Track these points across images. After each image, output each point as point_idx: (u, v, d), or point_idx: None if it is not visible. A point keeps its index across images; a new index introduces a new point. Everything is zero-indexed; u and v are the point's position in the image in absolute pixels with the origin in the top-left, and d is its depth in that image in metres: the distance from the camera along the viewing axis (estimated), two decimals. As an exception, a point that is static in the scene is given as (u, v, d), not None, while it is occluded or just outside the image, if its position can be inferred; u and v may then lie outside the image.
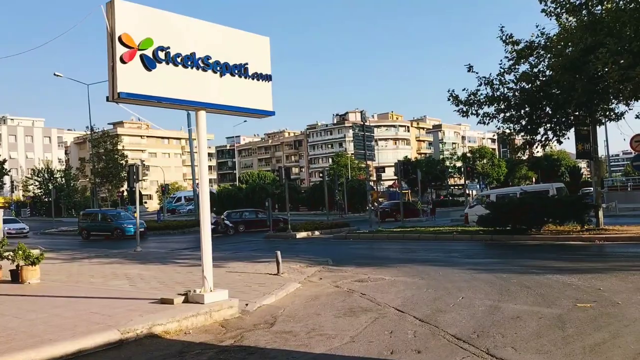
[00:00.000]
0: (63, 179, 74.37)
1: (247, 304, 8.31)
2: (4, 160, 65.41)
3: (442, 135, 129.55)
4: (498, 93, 18.90)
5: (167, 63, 7.21)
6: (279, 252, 12.54)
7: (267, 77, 8.49)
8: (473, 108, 19.16)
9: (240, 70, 8.09)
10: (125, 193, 75.73)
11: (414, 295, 9.16)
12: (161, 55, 7.15)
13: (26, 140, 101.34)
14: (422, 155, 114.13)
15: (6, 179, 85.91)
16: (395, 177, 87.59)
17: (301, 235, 26.70)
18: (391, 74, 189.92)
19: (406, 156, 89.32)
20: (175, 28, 7.36)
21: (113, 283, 11.79)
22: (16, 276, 11.38)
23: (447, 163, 76.08)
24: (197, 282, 11.05)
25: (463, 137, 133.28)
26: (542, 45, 19.22)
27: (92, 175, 46.64)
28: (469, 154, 73.19)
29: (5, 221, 33.80)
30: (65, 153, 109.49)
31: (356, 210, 54.60)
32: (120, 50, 6.76)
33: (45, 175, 72.76)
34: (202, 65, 7.60)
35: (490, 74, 18.83)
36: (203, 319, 7.16)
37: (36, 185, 74.28)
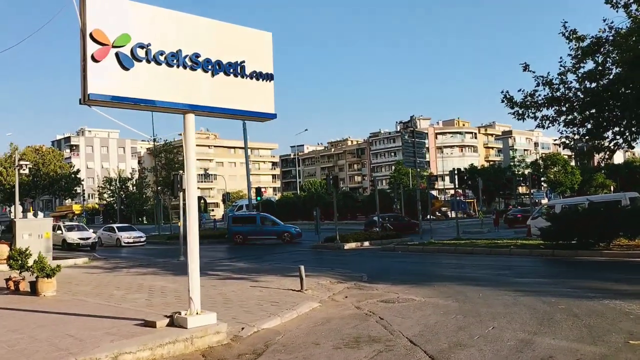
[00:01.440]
0: (134, 187, 77.07)
1: (242, 328, 7.50)
2: (77, 170, 68.56)
3: (513, 142, 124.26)
4: (558, 94, 17.19)
5: (148, 61, 6.56)
6: (302, 267, 11.68)
7: (268, 76, 7.68)
8: (530, 111, 17.54)
9: (235, 68, 7.33)
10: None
11: (438, 323, 8.01)
12: (140, 53, 6.51)
13: (102, 151, 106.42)
14: (491, 162, 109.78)
15: (82, 187, 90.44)
16: (462, 186, 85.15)
17: (349, 246, 25.70)
18: (458, 79, 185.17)
19: (472, 164, 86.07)
20: (158, 23, 6.70)
21: (131, 297, 11.35)
22: (34, 288, 11.16)
23: (516, 171, 72.43)
24: (213, 298, 10.42)
25: (536, 144, 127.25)
26: (610, 41, 17.33)
27: (154, 185, 47.70)
28: (539, 161, 69.29)
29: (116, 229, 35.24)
30: (139, 162, 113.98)
31: (416, 219, 52.74)
32: (91, 47, 6.17)
33: (117, 184, 75.59)
34: (189, 63, 6.90)
35: (548, 73, 17.16)
36: (182, 347, 6.39)
37: (109, 194, 77.34)
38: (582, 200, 21.21)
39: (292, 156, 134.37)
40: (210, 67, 7.08)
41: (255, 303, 9.81)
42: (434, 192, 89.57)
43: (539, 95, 17.26)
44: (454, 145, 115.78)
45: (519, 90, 17.42)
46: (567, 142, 17.84)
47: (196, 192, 7.31)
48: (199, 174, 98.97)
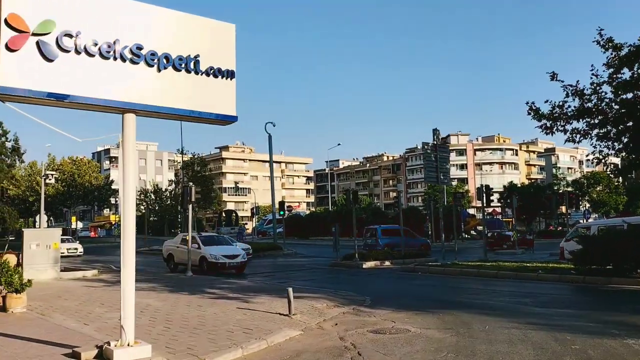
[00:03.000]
0: (169, 199, 77.61)
1: (188, 363, 6.51)
2: (111, 181, 69.50)
3: (556, 160, 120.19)
4: (590, 104, 15.70)
5: (78, 52, 5.75)
6: (290, 290, 10.64)
7: (229, 74, 6.78)
8: (559, 123, 16.08)
9: (187, 63, 6.45)
10: (223, 214, 77.93)
11: (421, 363, 6.83)
12: (68, 42, 5.70)
13: (140, 163, 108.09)
14: (532, 180, 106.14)
15: (120, 198, 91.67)
16: (499, 204, 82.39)
17: (369, 264, 24.42)
18: (498, 95, 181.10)
19: (511, 181, 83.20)
20: (91, 8, 5.90)
21: (108, 315, 10.64)
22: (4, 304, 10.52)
23: (557, 189, 69.39)
24: (187, 321, 9.50)
25: (580, 162, 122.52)
26: (650, 49, 15.80)
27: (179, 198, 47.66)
28: (582, 179, 66.15)
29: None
30: (175, 175, 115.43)
31: (449, 238, 50.84)
32: (6, 34, 5.41)
33: (152, 196, 76.21)
34: (129, 56, 6.06)
35: (577, 82, 15.69)
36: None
37: (144, 206, 78.07)
38: (619, 222, 19.42)
39: (327, 171, 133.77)
40: (155, 60, 6.23)
41: (227, 329, 8.82)
42: (471, 210, 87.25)
43: (569, 106, 15.83)
44: (493, 162, 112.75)
45: (546, 101, 16.03)
46: (601, 157, 16.26)
47: (134, 203, 6.42)
48: (231, 187, 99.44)
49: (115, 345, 6.14)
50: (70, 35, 5.72)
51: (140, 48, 6.12)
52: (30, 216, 66.08)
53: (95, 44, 5.84)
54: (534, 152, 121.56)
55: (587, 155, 17.57)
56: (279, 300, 12.49)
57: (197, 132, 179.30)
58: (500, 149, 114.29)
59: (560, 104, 15.84)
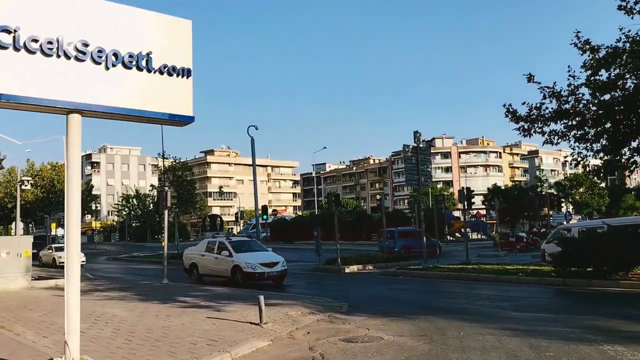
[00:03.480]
0: (152, 204, 76.71)
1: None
2: (91, 187, 68.56)
3: (539, 162, 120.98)
4: (568, 106, 15.57)
5: (17, 49, 5.37)
6: (261, 297, 10.29)
7: (185, 72, 6.43)
8: (537, 125, 15.93)
9: (139, 61, 6.09)
10: (207, 219, 77.16)
11: (389, 374, 6.52)
12: (5, 38, 5.33)
13: (122, 168, 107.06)
14: (516, 182, 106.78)
15: (102, 204, 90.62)
16: (484, 206, 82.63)
17: (351, 269, 24.16)
18: (482, 98, 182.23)
19: (495, 183, 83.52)
20: (33, 3, 5.51)
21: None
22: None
23: (540, 191, 69.68)
24: (151, 332, 9.10)
25: (564, 164, 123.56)
26: (627, 51, 15.70)
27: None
28: (564, 182, 66.54)
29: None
30: (159, 180, 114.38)
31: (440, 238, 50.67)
32: None
33: (134, 201, 75.27)
34: (74, 53, 5.68)
35: (554, 84, 15.55)
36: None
37: (126, 211, 77.07)
38: (599, 224, 19.35)
39: (313, 174, 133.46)
40: (103, 58, 5.85)
41: (191, 341, 8.44)
42: (456, 213, 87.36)
43: (546, 108, 15.68)
44: (477, 165, 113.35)
45: (523, 103, 15.88)
46: (579, 159, 16.13)
47: (79, 208, 6.03)
48: (215, 192, 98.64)
49: (59, 362, 5.75)
50: (8, 31, 5.33)
51: (86, 44, 5.74)
52: (9, 223, 64.87)
53: (36, 40, 5.45)
54: (517, 154, 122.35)
55: (565, 157, 17.40)
56: (253, 308, 12.05)
57: (181, 136, 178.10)
58: (485, 152, 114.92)
59: (538, 105, 15.71)
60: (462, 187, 24.58)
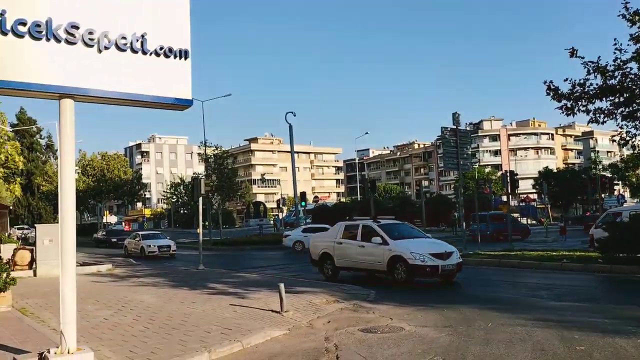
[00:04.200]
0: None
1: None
2: (140, 175, 70.30)
3: (594, 143, 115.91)
4: (614, 81, 14.53)
5: (4, 34, 5.25)
6: (281, 285, 10.05)
7: (182, 53, 6.19)
8: (581, 103, 14.96)
9: (132, 42, 5.89)
10: (251, 206, 77.96)
11: (400, 368, 6.15)
12: (-9, 23, 5.18)
13: (170, 157, 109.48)
14: (569, 165, 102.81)
15: (152, 192, 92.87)
16: (535, 190, 79.94)
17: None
18: (532, 79, 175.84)
19: (547, 166, 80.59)
20: (18, -14, 5.36)
21: (96, 314, 10.25)
22: (-8, 302, 10.28)
23: (593, 173, 66.67)
24: (172, 318, 9.05)
25: (619, 144, 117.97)
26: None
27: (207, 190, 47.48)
28: (619, 163, 63.33)
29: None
30: (205, 168, 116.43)
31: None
32: None
33: (181, 189, 76.73)
34: (64, 36, 5.53)
35: (599, 58, 14.50)
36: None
37: (173, 199, 78.67)
38: (651, 207, 18.16)
39: (357, 160, 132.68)
40: (95, 40, 5.68)
41: (206, 329, 8.31)
42: (505, 197, 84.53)
43: (590, 84, 14.67)
44: (528, 147, 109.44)
45: (565, 80, 14.91)
46: (628, 138, 15.08)
47: (73, 194, 5.94)
48: (259, 179, 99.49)
49: (55, 353, 5.67)
50: (-6, 16, 5.22)
51: (75, 27, 5.57)
52: (63, 212, 67.53)
53: (24, 24, 5.32)
54: (570, 136, 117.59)
55: (612, 137, 16.29)
56: (277, 295, 11.95)
57: (225, 124, 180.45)
58: (536, 134, 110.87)
59: (582, 82, 14.72)
60: (505, 171, 23.58)
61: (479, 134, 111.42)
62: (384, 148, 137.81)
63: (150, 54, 5.99)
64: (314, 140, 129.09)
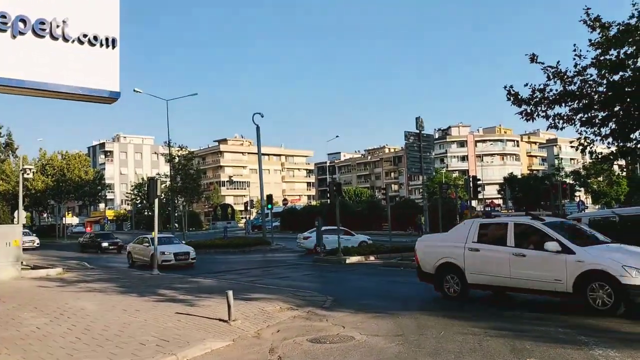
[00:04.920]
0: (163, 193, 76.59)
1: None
2: (101, 176, 68.75)
3: (558, 150, 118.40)
4: (574, 87, 14.51)
5: None
6: (230, 292, 9.58)
7: (110, 42, 5.71)
8: (540, 108, 14.88)
9: (52, 28, 5.37)
10: (218, 208, 76.91)
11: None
12: None
13: (136, 157, 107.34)
14: (533, 172, 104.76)
15: (116, 193, 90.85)
16: (500, 196, 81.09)
17: (353, 259, 23.39)
18: (499, 86, 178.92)
19: (511, 172, 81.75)
20: None
21: (29, 322, 9.59)
22: None
23: (555, 180, 67.97)
24: (108, 328, 8.48)
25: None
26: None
27: (169, 191, 46.65)
28: (581, 170, 64.80)
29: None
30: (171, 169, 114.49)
31: (444, 231, 49.65)
32: None
33: (145, 190, 75.27)
34: (-29, 19, 4.97)
35: (558, 63, 14.47)
36: None
37: (137, 200, 77.06)
38: (609, 213, 18.31)
39: (328, 164, 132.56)
40: (8, 24, 5.15)
41: (142, 341, 7.79)
42: (474, 203, 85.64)
43: (550, 90, 14.60)
44: (494, 154, 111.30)
45: (525, 85, 14.81)
46: (585, 144, 15.07)
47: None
48: (227, 181, 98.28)
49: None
50: None
51: (-15, 9, 5.05)
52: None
53: None
54: (535, 143, 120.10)
55: (570, 142, 16.35)
56: (235, 302, 11.41)
57: (194, 125, 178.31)
58: (502, 140, 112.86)
59: (541, 87, 14.63)
60: (468, 176, 23.55)
61: (447, 140, 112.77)
62: (356, 152, 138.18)
63: (73, 41, 5.52)
64: (285, 143, 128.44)
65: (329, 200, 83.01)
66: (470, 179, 23.16)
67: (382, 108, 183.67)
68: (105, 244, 35.72)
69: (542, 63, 14.53)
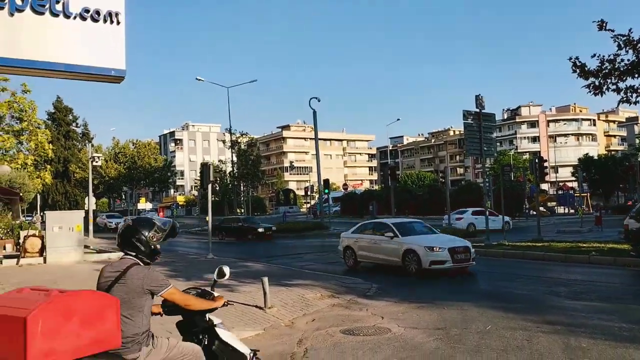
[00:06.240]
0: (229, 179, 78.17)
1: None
2: (170, 163, 70.76)
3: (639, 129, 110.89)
4: (650, 57, 13.10)
5: None
6: (265, 279, 9.32)
7: (114, 17, 5.37)
8: (610, 81, 13.56)
9: (51, 4, 5.09)
10: (281, 193, 77.70)
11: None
12: None
13: (204, 145, 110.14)
14: (611, 152, 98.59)
15: (186, 179, 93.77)
16: (573, 179, 76.90)
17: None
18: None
19: (587, 153, 77.28)
20: None
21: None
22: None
23: (637, 161, 63.37)
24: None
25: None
26: None
27: (231, 177, 47.40)
28: (664, 150, 60.05)
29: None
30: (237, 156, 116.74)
31: (513, 215, 47.45)
32: None
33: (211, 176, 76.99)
34: (-36, -4, 4.77)
35: (629, 31, 13.05)
36: None
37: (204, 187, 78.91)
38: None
39: (390, 148, 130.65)
40: (5, 1, 4.91)
41: (169, 329, 7.57)
42: (544, 186, 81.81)
43: (621, 60, 13.23)
44: (568, 134, 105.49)
45: (593, 56, 13.50)
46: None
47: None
48: (289, 167, 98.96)
49: None
50: None
51: (-19, -14, 4.85)
52: (96, 198, 68.65)
53: None
54: (614, 121, 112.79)
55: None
56: (276, 289, 11.17)
57: (259, 112, 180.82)
58: (576, 120, 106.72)
59: (611, 57, 13.30)
60: (534, 157, 22.12)
61: (517, 120, 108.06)
62: (419, 135, 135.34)
63: (74, 17, 5.20)
64: (347, 128, 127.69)
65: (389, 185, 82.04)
66: (536, 160, 21.72)
67: (449, 88, 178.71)
68: (261, 230, 30.77)
69: (612, 31, 13.20)
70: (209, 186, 19.64)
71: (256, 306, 9.03)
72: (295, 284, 11.79)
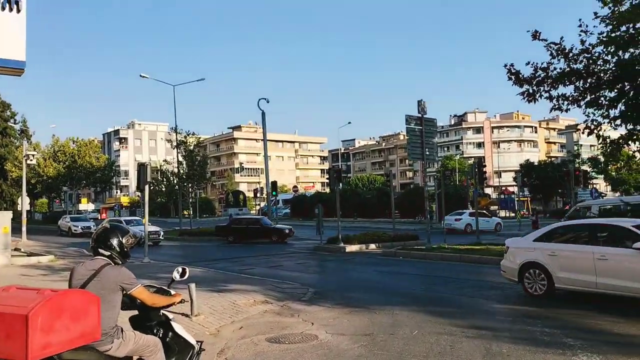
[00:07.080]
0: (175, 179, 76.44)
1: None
2: (112, 162, 68.66)
3: (578, 137, 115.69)
4: (579, 66, 13.52)
5: None
6: (192, 285, 9.01)
7: (13, 5, 4.97)
8: (543, 88, 13.93)
9: (-60, -11, 4.66)
10: (230, 195, 76.61)
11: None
12: None
13: (150, 144, 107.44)
14: (552, 158, 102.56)
15: (130, 180, 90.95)
16: (514, 184, 79.51)
17: (352, 248, 22.69)
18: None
19: (528, 159, 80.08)
20: None
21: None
22: None
23: (574, 166, 66.11)
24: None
25: (604, 138, 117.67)
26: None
27: (175, 178, 46.34)
28: (600, 157, 62.83)
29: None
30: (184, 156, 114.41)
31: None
32: None
33: (158, 176, 75.07)
34: None
35: (561, 39, 13.44)
36: None
37: (150, 187, 76.92)
38: (617, 201, 17.31)
39: (342, 150, 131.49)
40: None
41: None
42: (488, 190, 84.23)
43: (554, 68, 13.62)
44: (511, 140, 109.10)
45: (527, 63, 13.83)
46: (592, 127, 14.07)
47: None
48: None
49: None
50: None
51: None
52: (34, 198, 65.72)
53: None
54: (554, 129, 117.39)
55: (576, 126, 15.29)
56: (207, 294, 10.82)
57: (209, 113, 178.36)
58: (519, 127, 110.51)
59: (544, 66, 13.66)
60: (474, 160, 22.62)
61: (463, 126, 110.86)
62: (370, 139, 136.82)
63: (-33, 4, 4.79)
64: (300, 130, 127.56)
65: (340, 187, 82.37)
66: (476, 165, 22.19)
67: (397, 95, 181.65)
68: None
69: (545, 40, 13.56)
70: (146, 187, 18.97)
71: (182, 314, 8.67)
72: (231, 289, 11.52)
